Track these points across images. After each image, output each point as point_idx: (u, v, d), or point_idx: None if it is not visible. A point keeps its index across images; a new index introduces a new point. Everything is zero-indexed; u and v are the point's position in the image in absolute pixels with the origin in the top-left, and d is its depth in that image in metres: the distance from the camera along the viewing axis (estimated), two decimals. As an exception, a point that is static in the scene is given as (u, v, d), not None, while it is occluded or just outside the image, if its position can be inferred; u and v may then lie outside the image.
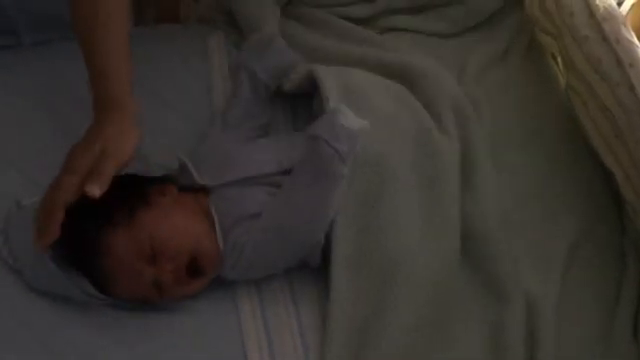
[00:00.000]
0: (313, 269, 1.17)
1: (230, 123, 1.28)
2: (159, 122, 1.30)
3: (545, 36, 1.38)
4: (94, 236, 1.11)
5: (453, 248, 1.15)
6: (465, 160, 1.20)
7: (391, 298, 1.10)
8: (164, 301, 1.14)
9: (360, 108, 1.15)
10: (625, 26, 1.18)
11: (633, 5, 1.30)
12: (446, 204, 1.16)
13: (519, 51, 1.41)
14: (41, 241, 1.05)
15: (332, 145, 1.09)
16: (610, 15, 1.19)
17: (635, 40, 1.17)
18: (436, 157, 1.18)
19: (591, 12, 1.21)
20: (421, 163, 1.17)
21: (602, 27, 1.19)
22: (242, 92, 1.29)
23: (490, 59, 1.39)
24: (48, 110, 1.33)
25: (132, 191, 1.14)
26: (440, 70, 1.30)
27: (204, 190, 1.19)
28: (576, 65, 1.24)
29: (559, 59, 1.37)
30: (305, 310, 1.16)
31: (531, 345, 1.09)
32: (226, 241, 1.15)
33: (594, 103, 1.20)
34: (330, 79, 1.22)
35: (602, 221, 1.22)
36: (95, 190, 1.03)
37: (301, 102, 1.33)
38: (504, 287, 1.12)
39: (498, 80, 1.36)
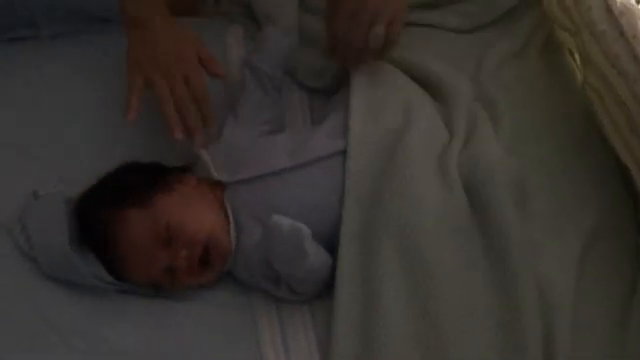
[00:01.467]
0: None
1: (243, 119, 1.28)
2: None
3: (563, 32, 1.37)
4: (113, 215, 1.13)
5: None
6: None
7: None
8: (174, 288, 1.15)
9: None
10: (643, 21, 1.18)
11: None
12: None
13: (536, 47, 1.40)
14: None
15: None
16: (628, 10, 1.18)
17: (653, 35, 1.16)
18: None
19: (608, 7, 1.20)
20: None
21: (620, 22, 1.18)
22: (248, 87, 1.29)
23: (507, 55, 1.38)
24: (66, 102, 1.34)
25: (152, 175, 1.16)
26: (456, 75, 1.31)
27: (220, 185, 1.20)
28: (593, 61, 1.23)
29: (576, 55, 1.36)
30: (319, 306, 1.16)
31: (547, 343, 1.08)
32: (238, 239, 1.16)
33: (611, 98, 1.19)
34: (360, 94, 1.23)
35: (617, 216, 1.21)
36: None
37: (317, 95, 1.34)
38: (518, 280, 1.11)
39: (515, 76, 1.35)
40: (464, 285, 1.11)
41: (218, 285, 1.19)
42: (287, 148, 1.21)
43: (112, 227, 1.14)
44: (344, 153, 1.19)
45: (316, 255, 1.10)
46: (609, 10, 1.20)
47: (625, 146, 1.18)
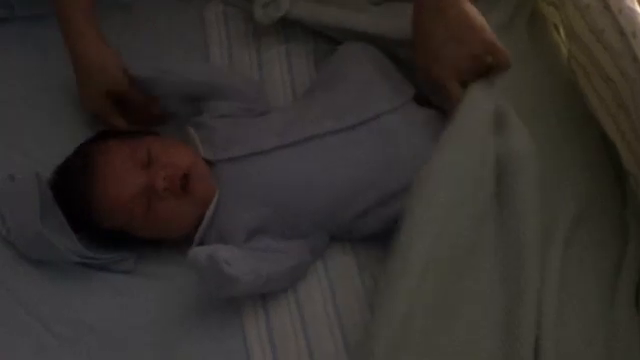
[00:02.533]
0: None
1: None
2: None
3: (547, 6, 1.36)
4: (93, 147, 1.17)
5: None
6: None
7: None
8: (148, 221, 1.13)
9: None
10: (628, -5, 1.16)
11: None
12: None
13: (521, 22, 1.37)
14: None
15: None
16: (612, -17, 1.17)
17: (638, 9, 1.15)
18: None
19: (593, -20, 1.18)
20: None
21: (604, -5, 1.16)
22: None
23: (493, 30, 1.35)
24: (38, 86, 1.33)
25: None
26: None
27: (207, 163, 1.18)
28: (578, 35, 1.22)
29: (561, 29, 1.35)
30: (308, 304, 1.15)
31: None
32: (217, 217, 1.15)
33: (597, 73, 1.18)
34: None
35: (604, 193, 1.20)
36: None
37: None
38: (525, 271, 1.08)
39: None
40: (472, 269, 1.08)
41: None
42: (276, 127, 1.20)
43: (92, 157, 1.14)
44: (335, 133, 1.17)
45: (252, 271, 1.07)
46: (594, -17, 1.18)
47: (612, 121, 1.17)
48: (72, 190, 1.15)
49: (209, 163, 1.18)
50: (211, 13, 1.43)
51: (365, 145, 1.18)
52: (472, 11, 1.16)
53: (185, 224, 1.15)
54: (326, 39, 1.40)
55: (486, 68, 1.16)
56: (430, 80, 1.18)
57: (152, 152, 1.13)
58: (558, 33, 1.37)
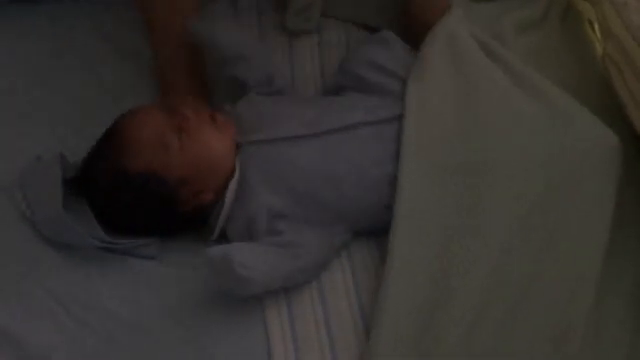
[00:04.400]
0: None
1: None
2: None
3: (583, 2, 1.34)
4: (122, 119, 1.17)
5: None
6: None
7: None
8: (183, 153, 1.13)
9: None
10: (666, -8, 1.15)
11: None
12: None
13: (555, 17, 1.37)
14: None
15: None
16: (650, -20, 1.15)
17: (676, 8, 1.13)
18: None
19: (630, -24, 1.17)
20: None
21: (642, -7, 1.15)
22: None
23: (526, 24, 1.35)
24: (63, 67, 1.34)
25: None
26: None
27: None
28: (613, 32, 1.20)
29: (596, 26, 1.33)
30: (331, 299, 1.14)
31: None
32: (241, 198, 1.14)
33: (631, 71, 1.16)
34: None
35: (634, 191, 1.19)
36: None
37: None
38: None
39: (534, 47, 1.33)
40: None
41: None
42: (304, 115, 1.19)
43: (121, 122, 1.16)
44: (365, 125, 1.17)
45: (268, 272, 1.07)
46: (631, -20, 1.17)
47: (644, 119, 1.16)
48: (100, 148, 1.16)
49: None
50: (243, 1, 1.43)
51: (394, 140, 1.17)
52: None
53: (220, 155, 1.15)
54: (358, 26, 1.40)
55: None
56: None
57: (174, 102, 1.16)
58: (592, 29, 1.35)
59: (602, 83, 1.27)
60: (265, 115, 1.21)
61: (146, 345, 1.08)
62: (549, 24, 1.36)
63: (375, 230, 1.17)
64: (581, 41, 1.35)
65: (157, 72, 1.31)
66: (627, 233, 1.15)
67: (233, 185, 1.14)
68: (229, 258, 1.02)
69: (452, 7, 1.27)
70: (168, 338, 1.09)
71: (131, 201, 1.14)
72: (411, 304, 1.07)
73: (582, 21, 1.37)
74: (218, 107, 1.24)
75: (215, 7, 1.39)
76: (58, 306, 1.10)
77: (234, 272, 1.02)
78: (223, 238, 1.17)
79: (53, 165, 1.16)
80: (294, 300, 1.12)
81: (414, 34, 1.28)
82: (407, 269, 1.09)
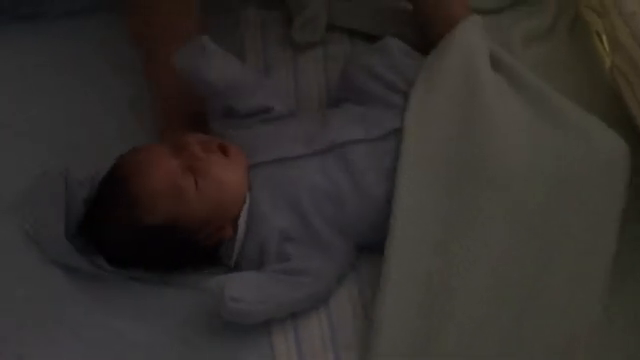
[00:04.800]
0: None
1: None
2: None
3: (591, 13, 1.33)
4: (124, 158, 1.14)
5: None
6: None
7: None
8: (200, 195, 1.10)
9: None
10: (675, 2, 1.13)
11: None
12: None
13: (564, 29, 1.36)
14: None
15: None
16: (659, -10, 1.14)
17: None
18: None
19: (638, -13, 1.16)
20: None
21: (650, 3, 1.14)
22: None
23: (534, 36, 1.35)
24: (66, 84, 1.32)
25: None
26: None
27: None
28: (622, 43, 1.19)
29: (604, 37, 1.32)
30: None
31: None
32: (252, 223, 1.13)
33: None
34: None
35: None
36: None
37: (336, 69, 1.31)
38: None
39: (542, 58, 1.32)
40: None
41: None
42: (304, 134, 1.18)
43: (127, 167, 1.12)
44: (362, 142, 1.16)
45: (262, 302, 1.06)
46: (639, -10, 1.16)
47: (654, 131, 1.14)
48: (108, 196, 1.13)
49: None
50: (249, 16, 1.43)
51: (392, 154, 1.16)
52: None
53: (237, 187, 1.13)
54: (362, 36, 1.40)
55: None
56: None
57: (180, 140, 1.12)
58: (601, 41, 1.34)
59: (611, 95, 1.26)
60: (264, 136, 1.19)
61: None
62: (557, 35, 1.36)
63: (381, 244, 1.15)
64: (589, 53, 1.34)
65: (157, 105, 1.29)
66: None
67: (245, 212, 1.13)
68: (221, 291, 1.03)
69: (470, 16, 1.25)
70: (175, 358, 1.08)
71: (150, 250, 1.12)
72: (410, 308, 1.07)
73: (590, 32, 1.36)
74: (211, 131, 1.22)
75: (220, 22, 1.39)
76: (65, 328, 1.09)
77: (226, 306, 1.03)
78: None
79: (58, 182, 1.14)
80: (300, 324, 1.11)
81: (426, 44, 1.27)
82: (405, 274, 1.08)
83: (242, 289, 1.04)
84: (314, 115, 1.28)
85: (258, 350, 1.08)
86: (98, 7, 1.37)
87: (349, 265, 1.16)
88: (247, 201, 1.13)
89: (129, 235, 1.11)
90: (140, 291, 1.14)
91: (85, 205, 1.15)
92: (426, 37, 1.28)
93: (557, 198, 1.11)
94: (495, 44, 1.24)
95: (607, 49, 1.30)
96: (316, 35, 1.39)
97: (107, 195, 1.13)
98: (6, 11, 1.36)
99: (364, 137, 1.16)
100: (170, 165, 1.10)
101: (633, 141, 1.20)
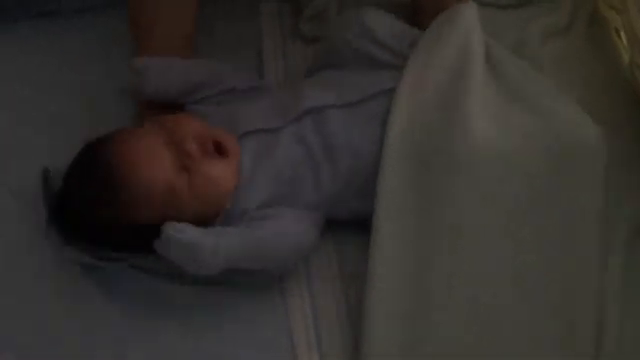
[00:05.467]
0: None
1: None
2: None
3: (609, 10, 1.33)
4: (105, 140, 1.10)
5: None
6: None
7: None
8: (193, 193, 1.08)
9: None
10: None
11: None
12: None
13: (581, 25, 1.36)
14: None
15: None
16: (679, -13, 1.14)
17: None
18: None
19: (658, -17, 1.16)
20: None
21: (670, 0, 1.14)
22: None
23: (550, 32, 1.34)
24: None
25: None
26: None
27: None
28: (640, 40, 1.19)
29: (622, 34, 1.31)
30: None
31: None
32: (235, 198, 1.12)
33: (658, 81, 1.16)
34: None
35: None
36: None
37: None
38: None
39: (560, 54, 1.31)
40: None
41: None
42: (280, 106, 1.16)
43: (108, 150, 1.08)
44: (334, 107, 1.14)
45: (208, 233, 1.05)
46: (659, -13, 1.16)
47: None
48: (87, 193, 1.08)
49: None
50: (267, 8, 1.41)
51: (375, 120, 1.15)
52: None
53: (230, 184, 1.10)
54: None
55: None
56: None
57: (176, 132, 1.08)
58: (619, 37, 1.33)
59: (629, 91, 1.27)
60: (242, 112, 1.17)
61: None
62: (575, 32, 1.35)
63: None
64: (607, 49, 1.34)
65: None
66: None
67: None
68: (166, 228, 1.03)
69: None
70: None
71: (140, 242, 1.09)
72: (396, 307, 1.07)
73: (608, 29, 1.35)
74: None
75: (236, 12, 1.39)
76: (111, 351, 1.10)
77: (169, 237, 1.03)
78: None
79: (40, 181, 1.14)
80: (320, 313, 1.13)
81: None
82: (389, 272, 1.09)
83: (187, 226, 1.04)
84: (291, 87, 1.25)
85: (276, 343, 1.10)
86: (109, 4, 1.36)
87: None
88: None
89: (121, 233, 1.09)
90: (148, 289, 1.14)
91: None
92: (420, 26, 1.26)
93: (531, 185, 1.11)
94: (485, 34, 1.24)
95: (626, 45, 1.30)
96: (325, 29, 1.36)
97: (88, 185, 1.08)
98: (22, 8, 1.35)
99: (334, 102, 1.15)
100: (165, 163, 1.07)
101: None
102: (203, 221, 1.09)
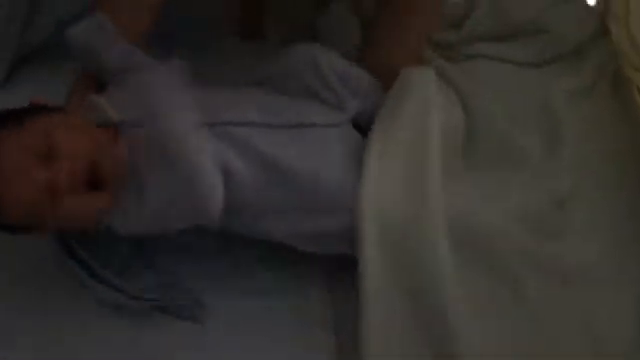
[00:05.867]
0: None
1: None
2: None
3: (633, 71, 1.34)
4: None
5: None
6: None
7: None
8: (55, 214, 1.04)
9: None
10: None
11: None
12: None
13: (605, 85, 1.37)
14: None
15: None
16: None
17: None
18: None
19: (682, 46, 1.17)
20: None
21: (693, 63, 1.15)
22: None
23: (574, 92, 1.35)
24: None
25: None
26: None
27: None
28: (664, 101, 1.20)
29: (646, 94, 1.33)
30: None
31: None
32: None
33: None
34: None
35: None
36: None
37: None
38: None
39: (584, 115, 1.32)
40: None
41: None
42: (209, 104, 1.15)
43: None
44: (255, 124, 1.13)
45: None
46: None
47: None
48: None
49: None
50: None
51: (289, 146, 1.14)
52: None
53: (100, 214, 1.08)
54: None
55: None
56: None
57: (51, 140, 1.04)
58: (643, 97, 1.35)
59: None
60: (140, 94, 1.14)
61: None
62: (597, 93, 1.36)
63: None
64: (631, 108, 1.34)
65: None
66: None
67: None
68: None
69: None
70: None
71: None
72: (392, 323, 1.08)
73: (631, 89, 1.35)
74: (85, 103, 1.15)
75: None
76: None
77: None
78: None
79: None
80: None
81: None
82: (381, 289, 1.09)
83: None
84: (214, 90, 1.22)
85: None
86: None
87: None
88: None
89: None
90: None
91: None
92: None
93: None
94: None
95: (650, 106, 1.31)
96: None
97: None
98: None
99: (254, 120, 1.14)
100: (29, 184, 1.03)
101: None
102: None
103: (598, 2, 1.44)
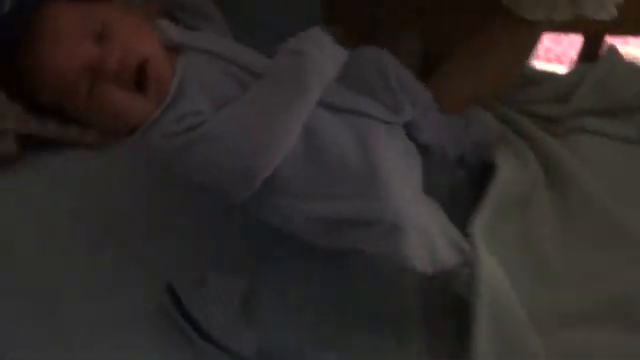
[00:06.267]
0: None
1: None
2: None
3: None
4: (39, 11, 1.03)
5: None
6: None
7: None
8: (89, 105, 1.01)
9: None
10: None
11: None
12: None
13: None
14: None
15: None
16: None
17: None
18: None
19: None
20: None
21: None
22: None
23: (621, 144, 1.34)
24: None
25: None
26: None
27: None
28: None
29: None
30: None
31: None
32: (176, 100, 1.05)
33: None
34: None
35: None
36: None
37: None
38: None
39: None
40: None
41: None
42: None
43: (38, 22, 1.01)
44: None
45: None
46: None
47: None
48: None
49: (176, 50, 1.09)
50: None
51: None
52: None
53: (133, 120, 1.04)
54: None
55: None
56: None
57: (108, 26, 1.02)
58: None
59: None
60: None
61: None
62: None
63: None
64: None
65: None
66: None
67: (169, 98, 1.05)
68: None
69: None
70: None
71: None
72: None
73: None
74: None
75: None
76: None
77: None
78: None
79: None
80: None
81: None
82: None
83: None
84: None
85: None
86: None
87: None
88: (175, 80, 1.06)
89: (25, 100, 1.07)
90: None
91: None
92: None
93: None
94: None
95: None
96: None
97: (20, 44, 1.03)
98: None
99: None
100: (78, 53, 1.00)
101: None
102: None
103: None
